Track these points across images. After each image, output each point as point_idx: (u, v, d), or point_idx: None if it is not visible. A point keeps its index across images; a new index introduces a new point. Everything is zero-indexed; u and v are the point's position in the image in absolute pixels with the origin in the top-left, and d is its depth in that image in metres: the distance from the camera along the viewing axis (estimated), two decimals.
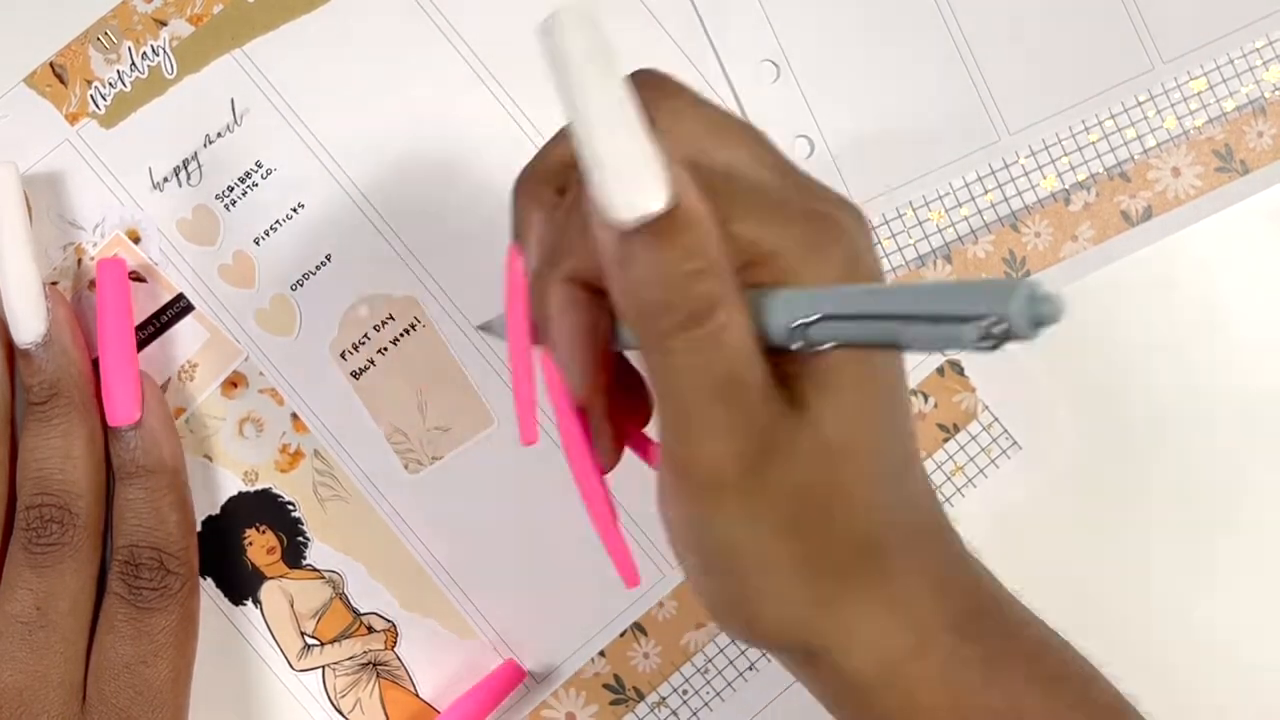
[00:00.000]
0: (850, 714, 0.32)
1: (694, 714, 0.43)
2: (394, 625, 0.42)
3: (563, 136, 0.31)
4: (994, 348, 0.24)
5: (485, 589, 0.42)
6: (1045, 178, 0.43)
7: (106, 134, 0.42)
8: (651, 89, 0.30)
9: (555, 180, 0.31)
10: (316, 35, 0.42)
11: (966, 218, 0.43)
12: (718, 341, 0.28)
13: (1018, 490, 0.43)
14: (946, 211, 0.43)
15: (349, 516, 0.42)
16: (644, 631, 0.43)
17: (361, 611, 0.42)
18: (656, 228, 0.27)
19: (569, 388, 0.31)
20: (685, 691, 0.43)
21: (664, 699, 0.43)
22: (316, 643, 0.42)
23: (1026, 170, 0.43)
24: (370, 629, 0.42)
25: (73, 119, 0.42)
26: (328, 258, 0.42)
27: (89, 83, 0.42)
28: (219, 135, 0.42)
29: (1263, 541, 0.43)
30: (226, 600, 0.42)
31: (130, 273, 0.42)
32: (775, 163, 0.31)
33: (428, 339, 0.43)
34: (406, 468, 0.43)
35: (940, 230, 0.43)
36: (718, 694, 0.43)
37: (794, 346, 0.28)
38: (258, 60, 0.42)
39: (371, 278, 0.42)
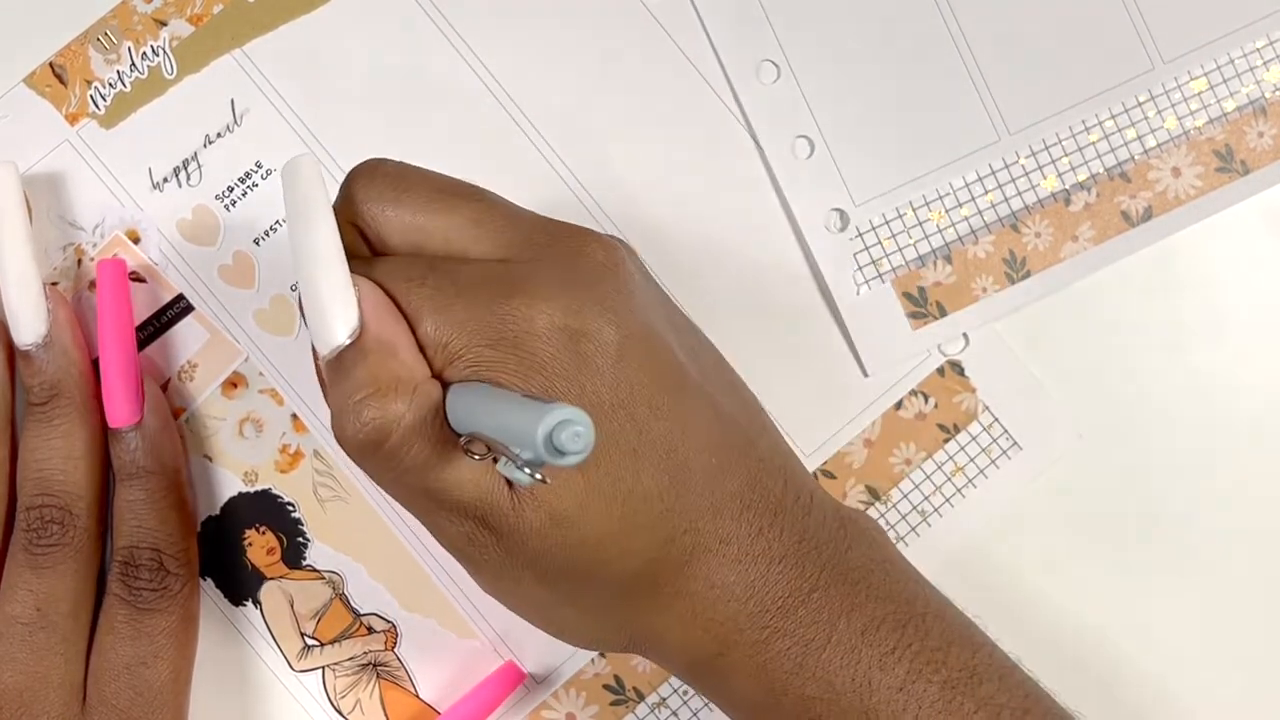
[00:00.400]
0: (691, 686, 0.37)
1: (694, 714, 0.43)
2: (394, 626, 0.42)
3: None
4: (537, 476, 0.26)
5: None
6: (1045, 178, 0.43)
7: (106, 134, 0.42)
8: (367, 184, 0.33)
9: None
10: (316, 35, 0.42)
11: (967, 218, 0.43)
12: (396, 460, 0.30)
13: (1018, 490, 0.43)
14: (946, 211, 0.43)
15: (349, 517, 0.42)
16: None
17: (362, 612, 0.42)
18: (341, 360, 0.31)
19: None
20: (685, 692, 0.43)
21: (664, 699, 0.43)
22: (316, 643, 0.42)
23: (1027, 170, 0.43)
24: (370, 629, 0.42)
25: (72, 119, 0.42)
26: None
27: (89, 83, 0.42)
28: (219, 135, 0.42)
29: (1263, 542, 0.43)
30: (226, 601, 0.42)
31: (130, 273, 0.42)
32: (487, 227, 0.33)
33: None
34: None
35: (940, 230, 0.43)
36: None
37: (469, 454, 0.30)
38: (258, 60, 0.42)
39: None
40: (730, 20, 0.43)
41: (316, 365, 0.34)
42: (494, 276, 0.32)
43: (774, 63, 0.43)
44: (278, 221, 0.42)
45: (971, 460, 0.43)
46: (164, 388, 0.42)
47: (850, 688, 0.32)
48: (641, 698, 0.43)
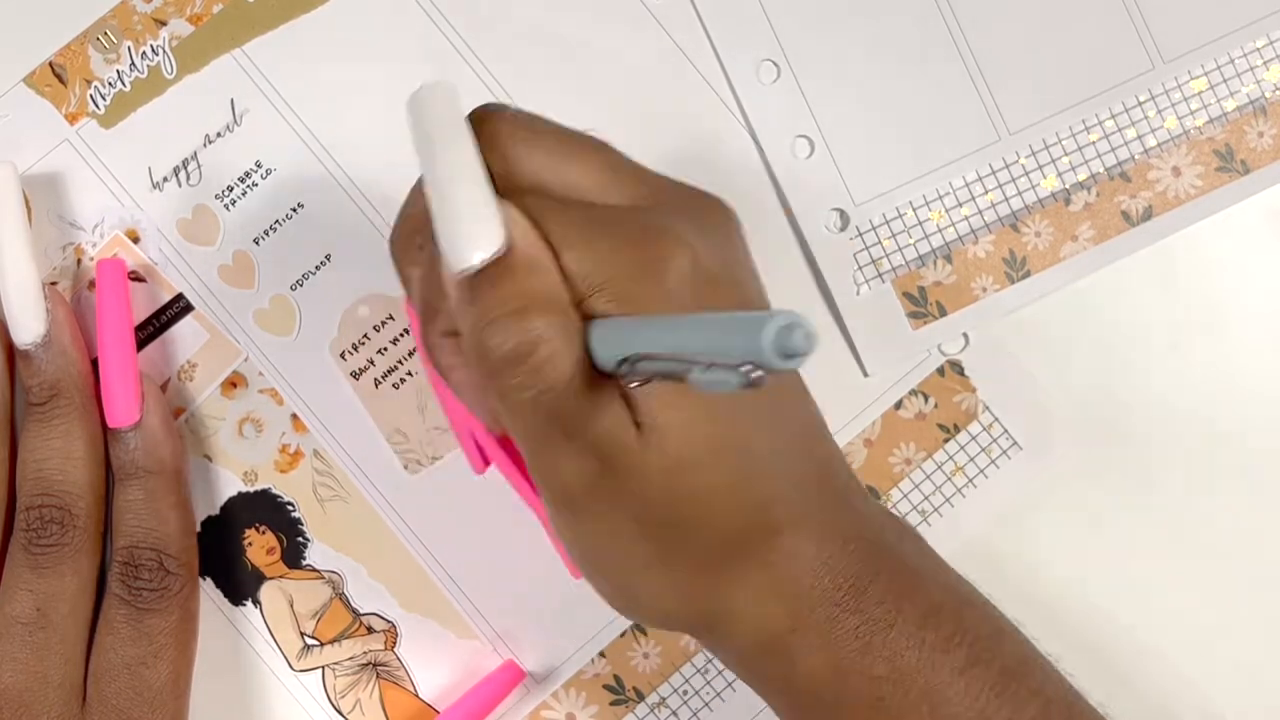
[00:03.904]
0: (744, 675, 0.35)
1: (694, 714, 0.43)
2: (394, 626, 0.42)
3: (419, 191, 0.33)
4: (755, 385, 0.25)
5: (485, 589, 0.42)
6: (1045, 177, 0.43)
7: (106, 134, 0.42)
8: (497, 123, 0.32)
9: (421, 234, 0.32)
10: (316, 35, 0.42)
11: (967, 218, 0.43)
12: (540, 377, 0.30)
13: (1018, 490, 0.43)
14: (946, 211, 0.43)
15: (349, 517, 0.42)
16: (643, 632, 0.43)
17: (361, 612, 0.42)
18: (483, 276, 0.30)
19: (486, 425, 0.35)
20: (685, 692, 0.43)
21: (664, 699, 0.43)
22: (316, 643, 0.42)
23: (1027, 170, 0.43)
24: (370, 629, 0.42)
25: (72, 119, 0.42)
26: (327, 258, 0.42)
27: (88, 82, 0.42)
28: (218, 135, 0.42)
29: (1263, 541, 0.43)
30: (226, 600, 0.42)
31: (130, 273, 0.42)
32: (617, 176, 0.33)
33: None
34: (406, 468, 0.42)
35: (940, 230, 0.43)
36: (718, 694, 0.43)
37: (623, 379, 0.29)
38: (258, 60, 0.42)
39: (371, 278, 0.42)
40: (730, 20, 0.43)
41: (424, 300, 0.33)
42: (632, 218, 0.32)
43: (774, 63, 0.43)
44: (277, 221, 0.42)
45: (972, 460, 0.43)
46: (163, 388, 0.42)
47: (916, 668, 0.33)
48: (641, 697, 0.43)
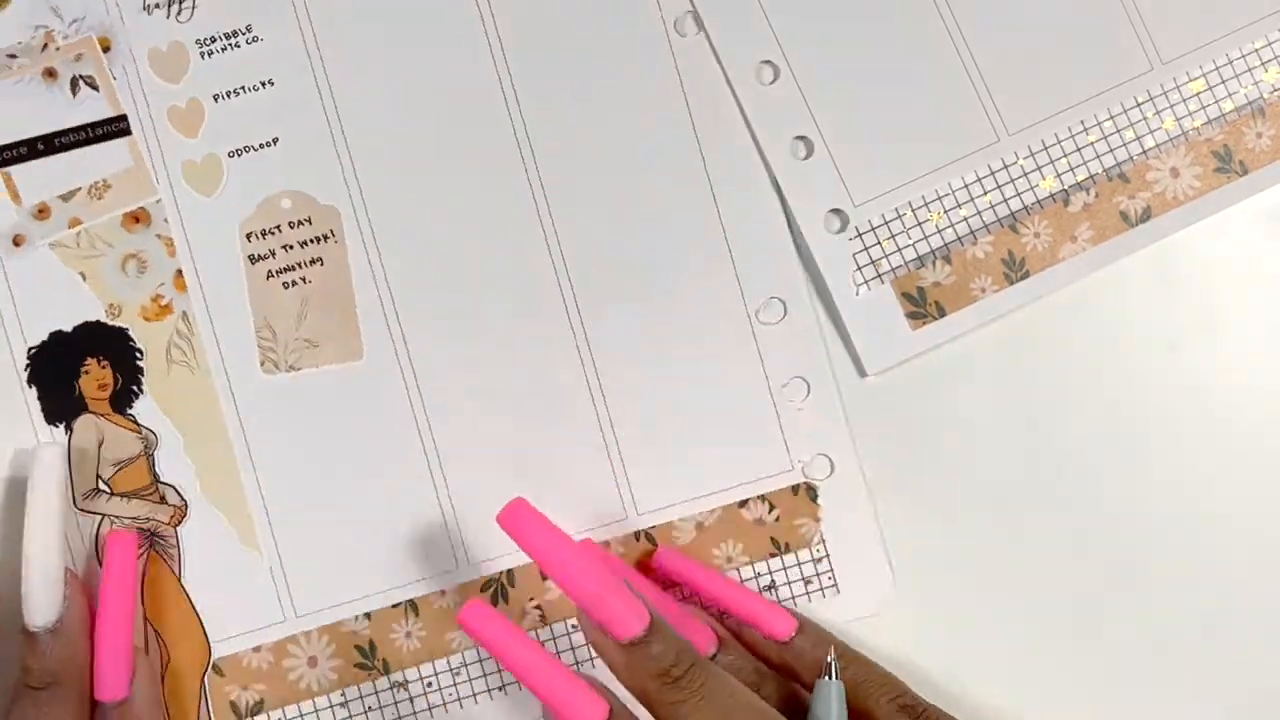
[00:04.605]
0: None
1: (430, 708, 0.42)
2: (186, 504, 0.42)
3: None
4: None
5: (286, 509, 0.42)
6: (1044, 178, 0.43)
7: None
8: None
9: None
10: None
11: (966, 218, 0.43)
12: None
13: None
14: (946, 212, 0.43)
15: (189, 387, 0.42)
16: (416, 612, 0.42)
17: (162, 479, 0.42)
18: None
19: None
20: (431, 684, 0.42)
21: (407, 682, 0.42)
22: (107, 490, 0.42)
23: (1025, 171, 0.43)
24: (164, 499, 0.42)
25: None
26: (274, 140, 0.42)
27: None
28: None
29: (1262, 541, 0.43)
30: (42, 416, 0.42)
31: (85, 77, 0.42)
32: None
33: (334, 254, 0.42)
34: (263, 365, 0.42)
35: (940, 231, 0.43)
36: (461, 698, 0.42)
37: None
38: None
39: (307, 176, 0.42)
40: (730, 20, 0.43)
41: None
42: None
43: (774, 63, 0.43)
44: (244, 87, 0.42)
45: (789, 584, 0.43)
46: (70, 195, 0.42)
47: None
48: (387, 671, 0.42)
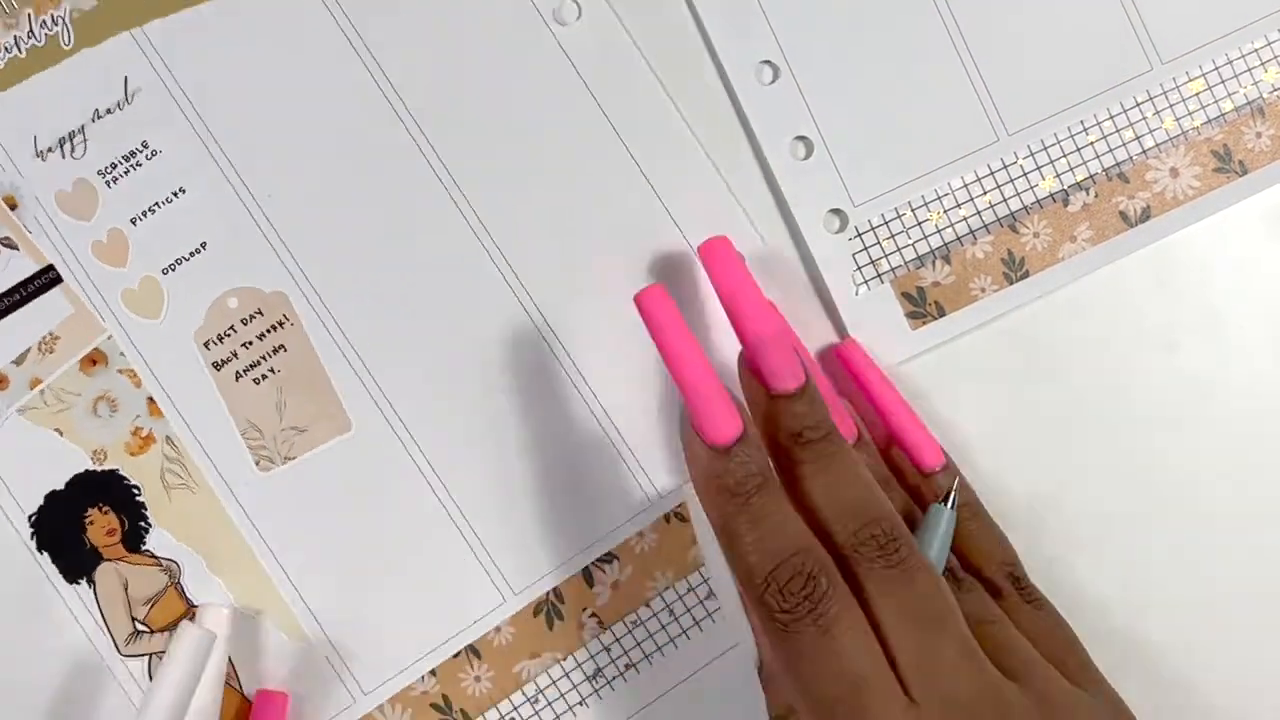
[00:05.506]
0: None
1: None
2: None
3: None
4: None
5: (324, 595, 0.42)
6: (1044, 178, 0.43)
7: None
8: None
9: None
10: (218, 23, 0.42)
11: (965, 218, 0.43)
12: None
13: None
14: (945, 212, 0.43)
15: (194, 507, 0.42)
16: (478, 655, 0.42)
17: (195, 603, 0.42)
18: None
19: None
20: (511, 718, 0.42)
21: None
22: (146, 630, 0.42)
23: (1025, 171, 0.43)
24: None
25: None
26: (203, 245, 0.42)
27: None
28: (108, 111, 0.42)
29: (1263, 542, 0.44)
30: (61, 577, 0.42)
31: (3, 239, 0.42)
32: None
33: (294, 338, 0.42)
34: (258, 464, 0.42)
35: (939, 230, 0.43)
36: None
37: None
38: (156, 42, 0.42)
39: (245, 271, 0.42)
40: (729, 20, 0.43)
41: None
42: None
43: (773, 63, 0.43)
44: (157, 203, 0.42)
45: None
46: (22, 359, 0.42)
47: None
48: (469, 718, 0.42)
